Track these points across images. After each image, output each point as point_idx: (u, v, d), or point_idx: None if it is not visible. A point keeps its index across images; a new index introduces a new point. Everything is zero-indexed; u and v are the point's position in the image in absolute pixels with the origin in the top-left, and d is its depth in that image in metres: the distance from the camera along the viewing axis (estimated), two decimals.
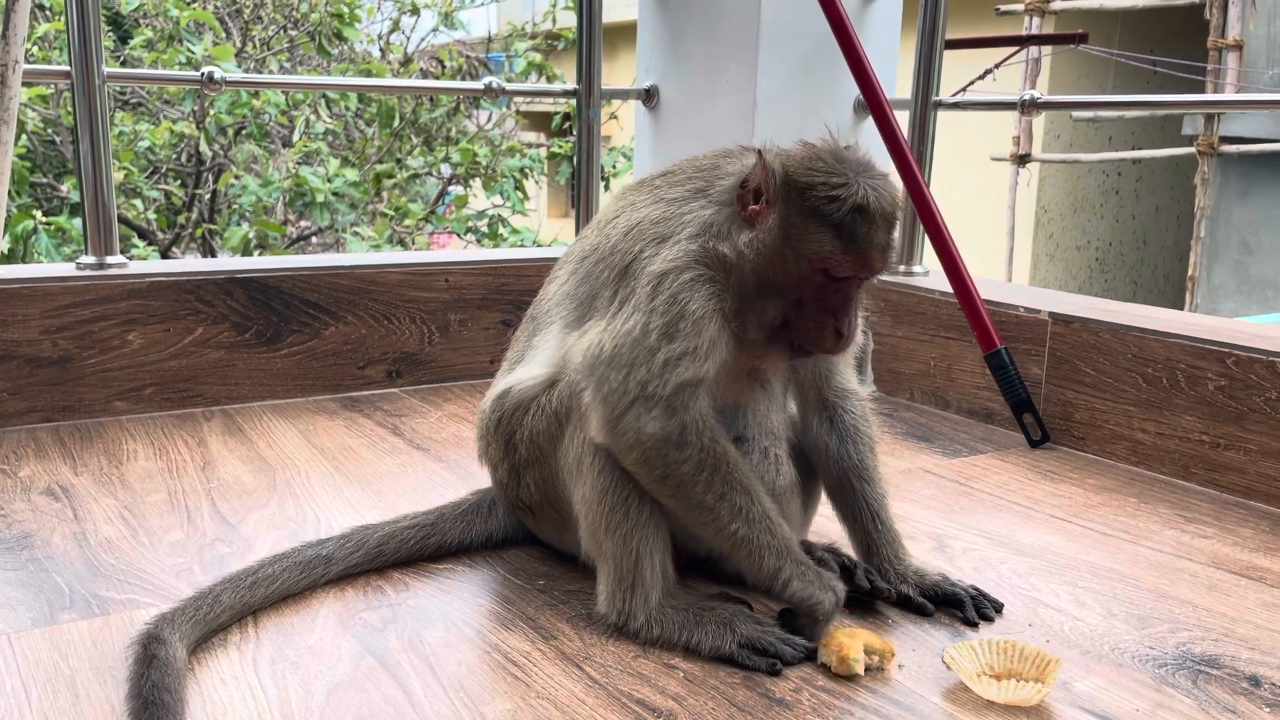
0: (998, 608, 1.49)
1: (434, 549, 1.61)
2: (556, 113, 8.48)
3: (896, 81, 2.89)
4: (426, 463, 2.06)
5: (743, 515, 1.33)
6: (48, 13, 6.64)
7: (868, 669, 1.30)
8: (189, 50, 6.61)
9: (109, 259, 2.32)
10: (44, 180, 6.82)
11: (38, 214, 5.74)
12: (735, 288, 1.37)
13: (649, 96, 2.98)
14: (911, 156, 2.39)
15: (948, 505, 1.92)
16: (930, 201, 2.33)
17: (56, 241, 5.68)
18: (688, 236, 1.37)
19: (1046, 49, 9.57)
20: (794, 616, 1.37)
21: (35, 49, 6.28)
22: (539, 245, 6.89)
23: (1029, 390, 2.27)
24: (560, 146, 8.05)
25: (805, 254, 1.32)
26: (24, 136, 6.32)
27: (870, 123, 2.58)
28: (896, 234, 1.37)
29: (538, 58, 7.75)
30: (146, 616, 1.33)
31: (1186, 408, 2.06)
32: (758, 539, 1.33)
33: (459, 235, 7.48)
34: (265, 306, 2.42)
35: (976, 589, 1.51)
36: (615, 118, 8.04)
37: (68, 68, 2.26)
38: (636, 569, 1.36)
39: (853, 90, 2.70)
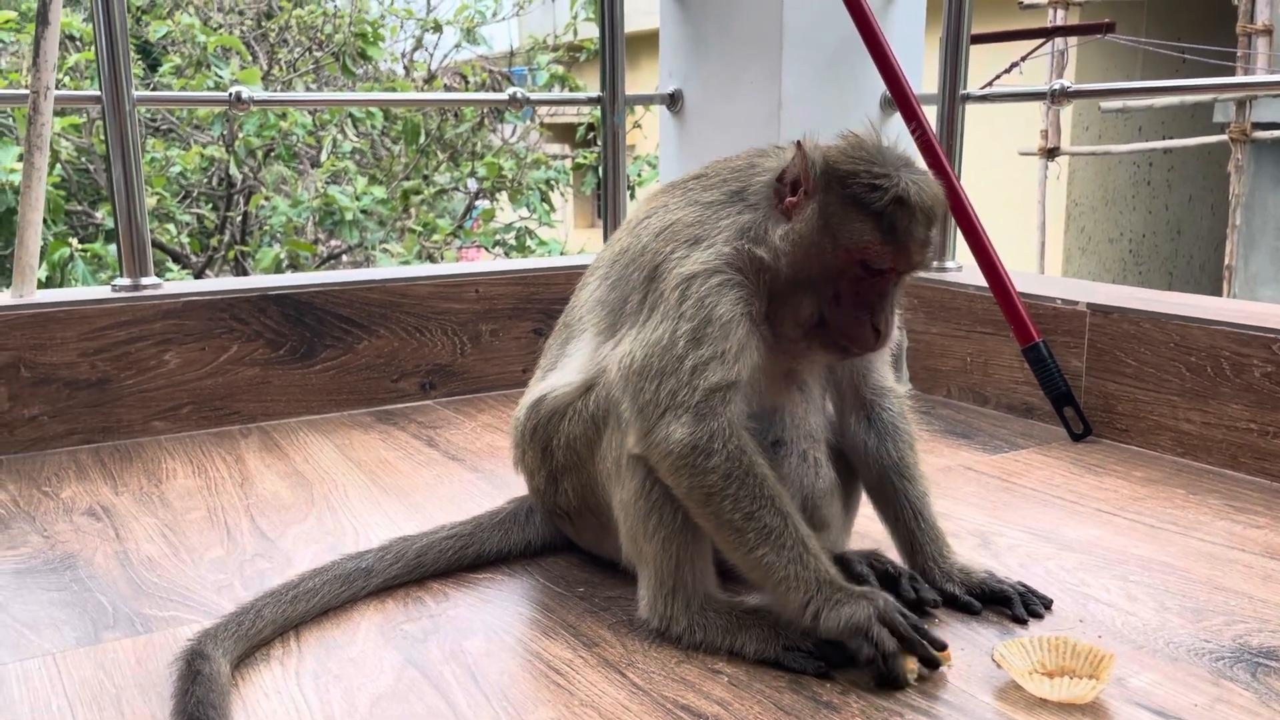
0: (1047, 604, 1.46)
1: (473, 558, 1.60)
2: (580, 124, 8.50)
3: (923, 77, 2.86)
4: (462, 473, 2.06)
5: (772, 539, 1.26)
6: (78, 44, 6.75)
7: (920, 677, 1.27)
8: (217, 75, 6.69)
9: (143, 280, 2.34)
10: (79, 208, 6.92)
11: (73, 241, 5.83)
12: (768, 288, 1.35)
13: (673, 101, 2.97)
14: (941, 151, 2.36)
15: (990, 502, 1.89)
16: (962, 195, 2.30)
17: (93, 268, 5.76)
18: (722, 240, 1.36)
19: (1072, 40, 9.47)
20: (842, 648, 1.28)
21: (66, 79, 6.38)
22: (566, 255, 6.90)
23: (1069, 383, 2.24)
24: (585, 157, 8.07)
25: (844, 243, 1.31)
26: (58, 165, 6.42)
27: (898, 118, 2.56)
28: (936, 232, 1.35)
29: (560, 70, 7.78)
30: (189, 633, 1.33)
31: (1232, 396, 2.02)
32: (785, 569, 1.26)
33: (487, 249, 7.51)
34: (299, 323, 2.43)
35: (1024, 585, 1.48)
36: (639, 126, 8.04)
37: (98, 92, 2.28)
38: (678, 573, 1.34)
39: (879, 86, 2.68)
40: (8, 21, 6.64)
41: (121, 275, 2.35)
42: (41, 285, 5.38)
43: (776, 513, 1.27)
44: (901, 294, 1.42)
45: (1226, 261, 9.32)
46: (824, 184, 1.32)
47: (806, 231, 1.32)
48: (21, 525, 1.80)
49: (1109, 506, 1.86)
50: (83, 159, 6.81)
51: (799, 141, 1.35)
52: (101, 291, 2.35)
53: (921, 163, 1.60)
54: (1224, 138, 9.19)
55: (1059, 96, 2.47)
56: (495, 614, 1.47)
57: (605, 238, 2.99)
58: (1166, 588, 1.53)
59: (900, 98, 2.42)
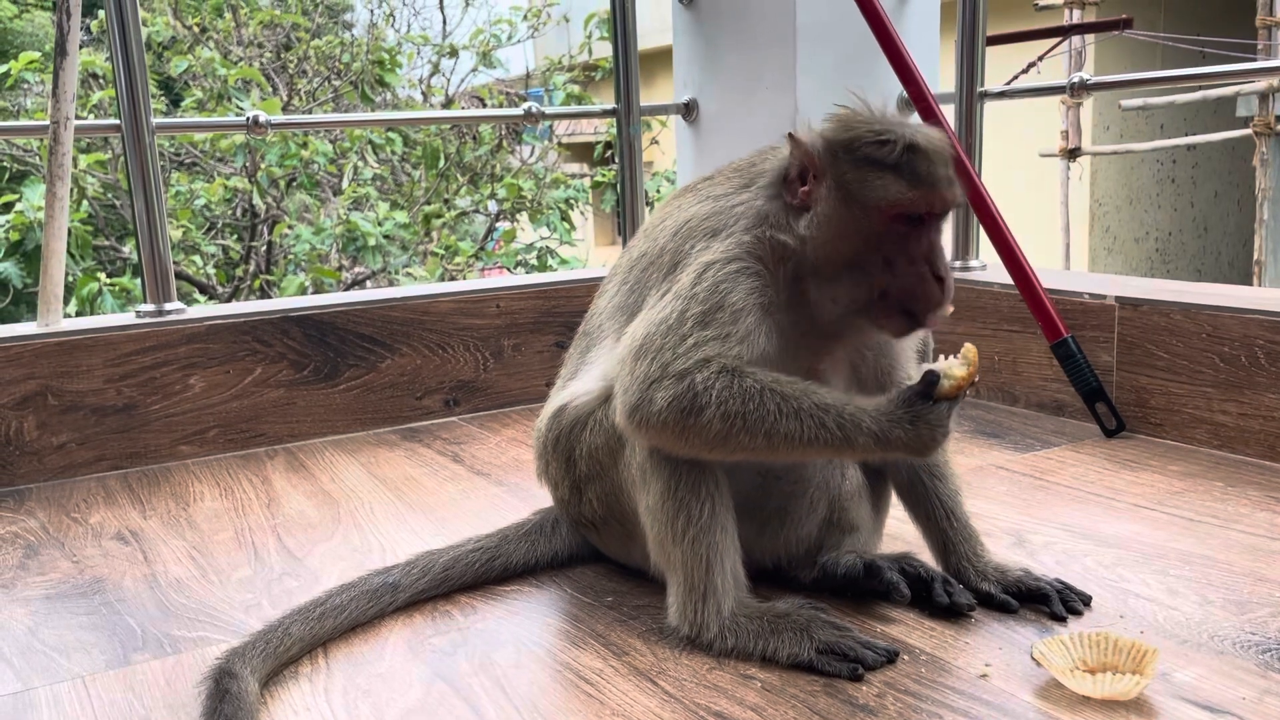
0: (1085, 600, 1.43)
1: (500, 571, 1.59)
2: (597, 142, 8.52)
3: (939, 77, 2.84)
4: (488, 487, 2.05)
5: (800, 440, 1.25)
6: (100, 81, 6.85)
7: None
8: (238, 107, 6.77)
9: (167, 306, 2.36)
10: (107, 243, 7.01)
11: (102, 276, 5.89)
12: (792, 275, 1.34)
13: (688, 110, 2.96)
14: (960, 148, 2.34)
15: (1024, 500, 1.86)
16: (983, 192, 2.27)
17: (121, 302, 5.82)
18: (742, 229, 1.35)
19: (1089, 38, 9.39)
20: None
21: (91, 116, 6.47)
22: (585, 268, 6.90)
23: (1100, 379, 2.20)
24: (603, 175, 8.09)
25: (874, 204, 1.29)
26: (85, 202, 6.51)
27: (916, 118, 2.53)
28: (955, 172, 1.33)
29: (576, 89, 7.81)
30: (218, 653, 1.32)
31: (1269, 385, 1.97)
32: (828, 440, 1.25)
33: (509, 270, 7.54)
34: (321, 343, 2.43)
35: (1062, 582, 1.45)
36: (657, 143, 8.05)
37: (118, 121, 2.30)
38: (708, 577, 1.32)
39: (895, 88, 2.66)
40: (33, 63, 6.75)
41: (145, 301, 2.36)
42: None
43: (791, 415, 1.25)
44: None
45: (1256, 256, 9.20)
46: (831, 160, 1.32)
47: (831, 210, 1.31)
48: (51, 551, 1.81)
49: (1146, 501, 1.82)
50: (109, 195, 6.90)
51: (791, 134, 1.34)
52: (126, 318, 2.37)
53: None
54: (1248, 132, 9.09)
55: (1078, 89, 2.43)
56: (523, 625, 1.45)
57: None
58: (1208, 581, 1.49)
59: (917, 96, 2.40)
